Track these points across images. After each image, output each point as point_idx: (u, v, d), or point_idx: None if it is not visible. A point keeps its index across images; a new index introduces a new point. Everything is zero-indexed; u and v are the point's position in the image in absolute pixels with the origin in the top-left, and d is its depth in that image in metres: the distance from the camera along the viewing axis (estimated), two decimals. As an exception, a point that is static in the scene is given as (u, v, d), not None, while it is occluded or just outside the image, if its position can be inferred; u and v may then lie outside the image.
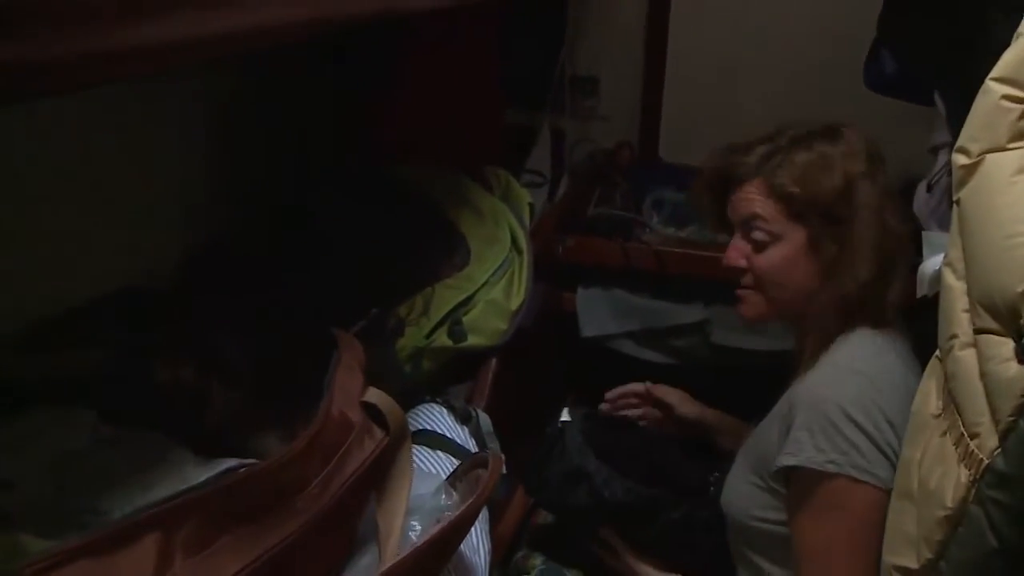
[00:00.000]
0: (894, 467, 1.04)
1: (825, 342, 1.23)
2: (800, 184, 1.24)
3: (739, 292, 1.34)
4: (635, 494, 1.35)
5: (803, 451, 1.12)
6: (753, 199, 1.28)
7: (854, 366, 1.18)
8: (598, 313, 1.92)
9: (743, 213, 1.30)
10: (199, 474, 0.83)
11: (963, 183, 0.79)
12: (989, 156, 0.76)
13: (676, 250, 1.85)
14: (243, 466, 0.84)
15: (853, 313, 1.22)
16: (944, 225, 1.24)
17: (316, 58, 1.66)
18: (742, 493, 1.28)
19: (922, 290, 0.98)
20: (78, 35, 0.51)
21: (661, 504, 1.36)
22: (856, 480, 1.09)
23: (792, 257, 1.26)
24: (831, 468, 1.10)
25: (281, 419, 0.98)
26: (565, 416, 1.48)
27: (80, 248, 1.15)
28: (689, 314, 1.88)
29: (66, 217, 1.14)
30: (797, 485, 1.15)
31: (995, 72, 0.76)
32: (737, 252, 1.32)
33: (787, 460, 1.14)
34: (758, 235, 1.28)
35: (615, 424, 1.59)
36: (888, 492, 1.05)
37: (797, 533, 1.18)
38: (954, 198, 0.81)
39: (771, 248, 1.27)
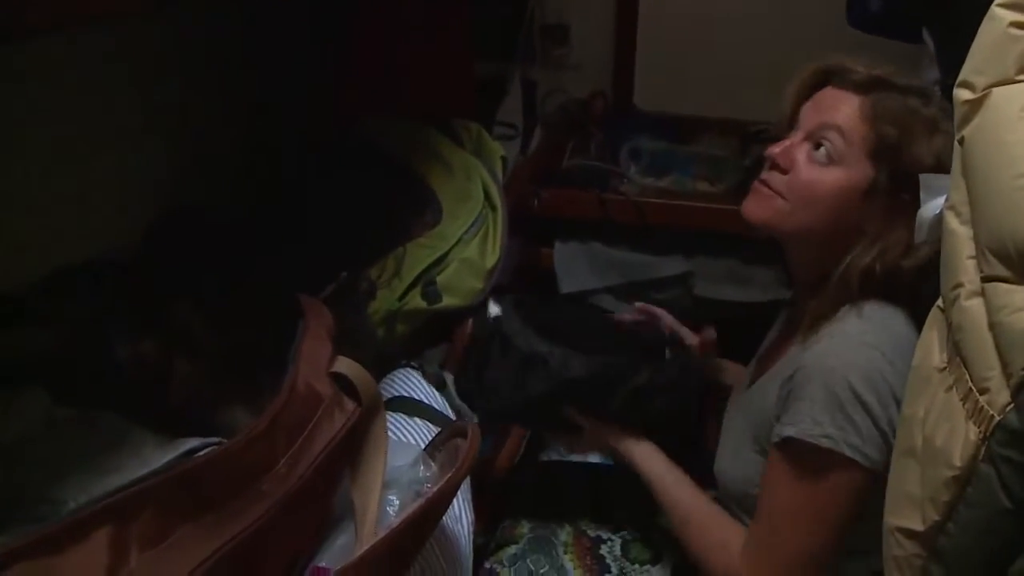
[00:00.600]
0: (889, 447, 1.01)
1: (832, 309, 1.15)
2: (899, 127, 1.11)
3: (759, 184, 1.21)
4: (596, 365, 1.27)
5: (801, 421, 1.08)
6: (844, 110, 1.14)
7: (865, 338, 1.10)
8: (577, 268, 1.88)
9: (824, 118, 1.16)
10: (159, 457, 0.78)
11: (967, 120, 0.73)
12: (996, 90, 0.70)
13: (655, 200, 1.80)
14: (205, 446, 0.79)
15: (872, 287, 1.13)
16: (936, 166, 1.19)
17: (285, 18, 1.60)
18: (743, 462, 1.23)
19: (920, 236, 0.93)
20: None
21: (624, 371, 1.28)
22: (846, 457, 1.05)
23: (843, 189, 1.14)
24: (824, 443, 1.06)
25: (249, 391, 0.94)
26: (494, 309, 1.37)
27: (40, 220, 1.11)
28: (670, 266, 1.84)
29: (24, 187, 1.09)
30: (786, 450, 1.11)
31: (1002, -3, 0.70)
32: (788, 153, 1.18)
33: (786, 431, 1.09)
34: (825, 147, 1.14)
35: (547, 303, 1.49)
36: (872, 472, 1.04)
37: (769, 491, 1.14)
38: (956, 136, 0.76)
39: (828, 168, 1.15)
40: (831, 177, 1.15)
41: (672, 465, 1.28)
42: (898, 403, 1.03)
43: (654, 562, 1.39)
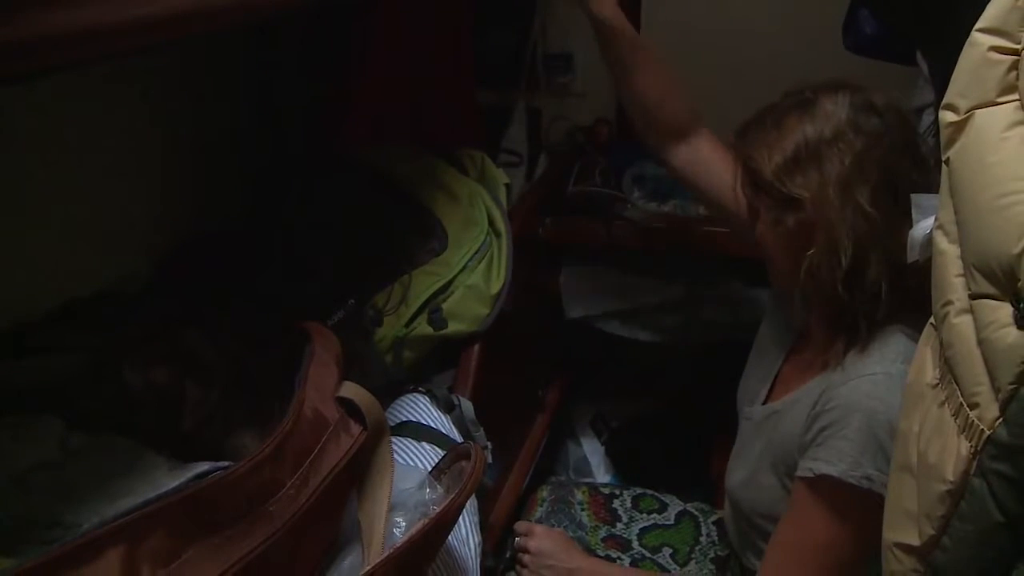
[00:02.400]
0: None
1: (852, 338, 1.15)
2: (756, 153, 1.17)
3: None
4: None
5: (842, 461, 1.08)
6: (737, 168, 1.23)
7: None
8: (582, 294, 1.89)
9: None
10: (170, 480, 0.80)
11: (952, 142, 0.75)
12: (978, 112, 0.72)
13: (660, 226, 1.82)
14: (216, 470, 0.81)
15: (858, 308, 1.13)
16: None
17: (284, 43, 1.63)
18: (759, 487, 1.24)
19: (913, 255, 0.95)
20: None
21: None
22: (883, 496, 1.06)
23: (763, 229, 1.20)
24: (865, 484, 1.06)
25: (258, 417, 0.95)
26: None
27: (51, 253, 1.13)
28: (676, 290, 1.85)
29: (36, 221, 1.11)
30: (819, 486, 1.11)
31: (981, 23, 0.72)
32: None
33: (824, 468, 1.09)
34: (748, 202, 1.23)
35: None
36: None
37: (794, 525, 1.15)
38: (943, 158, 0.77)
39: (759, 216, 1.21)
40: (759, 224, 1.21)
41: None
42: None
43: (660, 512, 1.61)
